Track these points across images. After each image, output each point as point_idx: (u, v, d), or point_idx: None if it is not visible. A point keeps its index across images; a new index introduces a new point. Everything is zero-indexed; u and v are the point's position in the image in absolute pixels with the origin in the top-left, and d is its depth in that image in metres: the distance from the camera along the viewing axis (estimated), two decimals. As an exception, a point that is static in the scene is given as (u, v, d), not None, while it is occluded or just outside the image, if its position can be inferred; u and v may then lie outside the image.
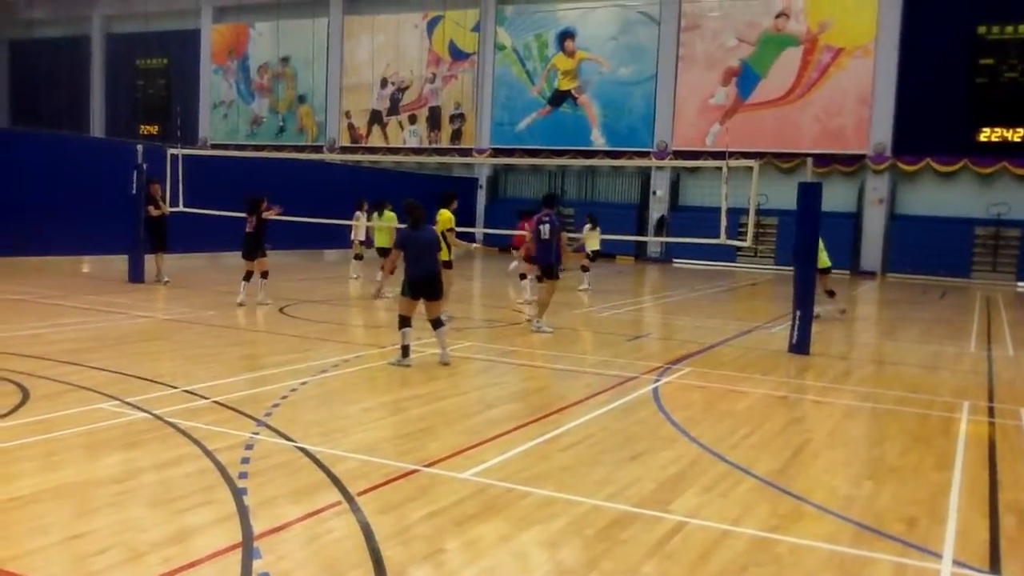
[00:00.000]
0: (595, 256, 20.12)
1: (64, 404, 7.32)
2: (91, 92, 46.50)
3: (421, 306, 9.77)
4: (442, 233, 12.09)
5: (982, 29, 29.39)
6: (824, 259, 15.53)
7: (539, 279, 13.74)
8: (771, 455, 6.82)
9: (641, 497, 5.61)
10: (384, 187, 30.04)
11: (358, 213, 19.61)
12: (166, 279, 16.98)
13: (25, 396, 7.48)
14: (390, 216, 17.24)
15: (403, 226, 10.11)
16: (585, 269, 19.67)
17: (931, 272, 29.06)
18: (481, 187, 36.36)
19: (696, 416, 8.03)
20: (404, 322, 9.61)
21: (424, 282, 9.58)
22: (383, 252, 16.98)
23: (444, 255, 12.17)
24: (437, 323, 9.84)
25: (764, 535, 5.06)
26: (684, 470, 6.27)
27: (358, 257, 20.03)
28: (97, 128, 45.94)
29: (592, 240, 19.88)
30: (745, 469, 6.33)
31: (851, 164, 30.92)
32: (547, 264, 12.72)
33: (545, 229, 12.61)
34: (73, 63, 46.26)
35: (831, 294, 16.18)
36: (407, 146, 38.48)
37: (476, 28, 37.06)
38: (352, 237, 19.97)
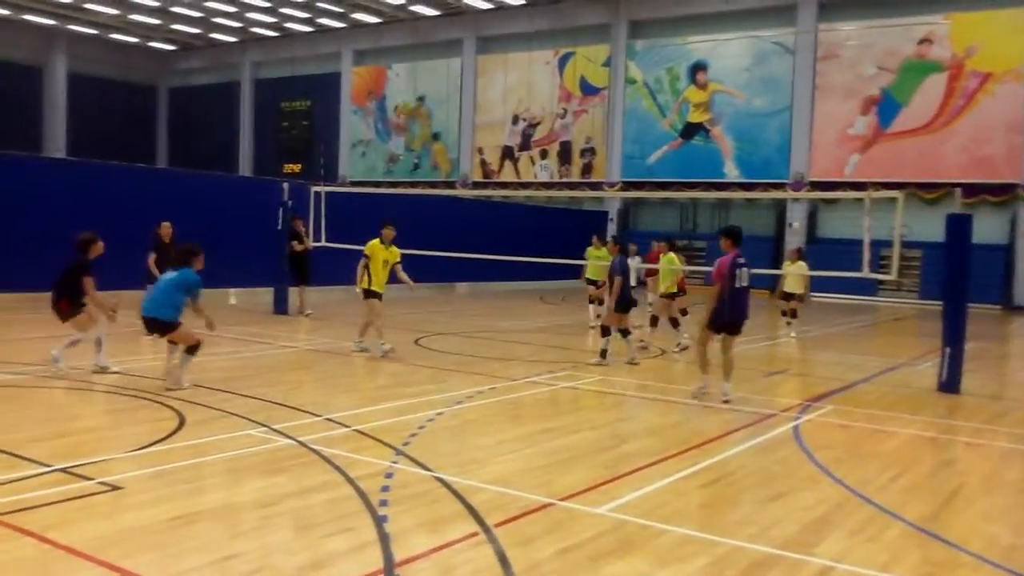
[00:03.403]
0: (789, 297, 17.28)
1: (216, 429, 7.68)
2: (240, 134, 49.12)
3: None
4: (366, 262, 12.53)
5: None
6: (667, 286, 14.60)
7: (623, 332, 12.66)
8: (922, 499, 6.50)
9: (784, 539, 5.43)
10: (515, 221, 30.50)
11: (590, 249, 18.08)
12: (308, 311, 17.63)
13: (181, 421, 7.89)
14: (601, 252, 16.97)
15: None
16: (790, 314, 17.29)
17: (1094, 308, 27.16)
18: (612, 220, 36.30)
19: (840, 456, 7.74)
20: (605, 331, 12.59)
21: (629, 303, 12.61)
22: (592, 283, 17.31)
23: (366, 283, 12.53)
24: (625, 332, 12.59)
25: (917, 583, 4.82)
26: (829, 512, 6.04)
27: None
28: (245, 167, 48.42)
29: (792, 279, 17.05)
30: (894, 513, 6.05)
31: (1001, 194, 29.35)
32: (745, 319, 10.07)
33: (744, 274, 9.86)
34: (224, 107, 49.09)
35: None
36: (538, 180, 38.87)
37: (607, 63, 37.24)
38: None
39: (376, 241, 12.62)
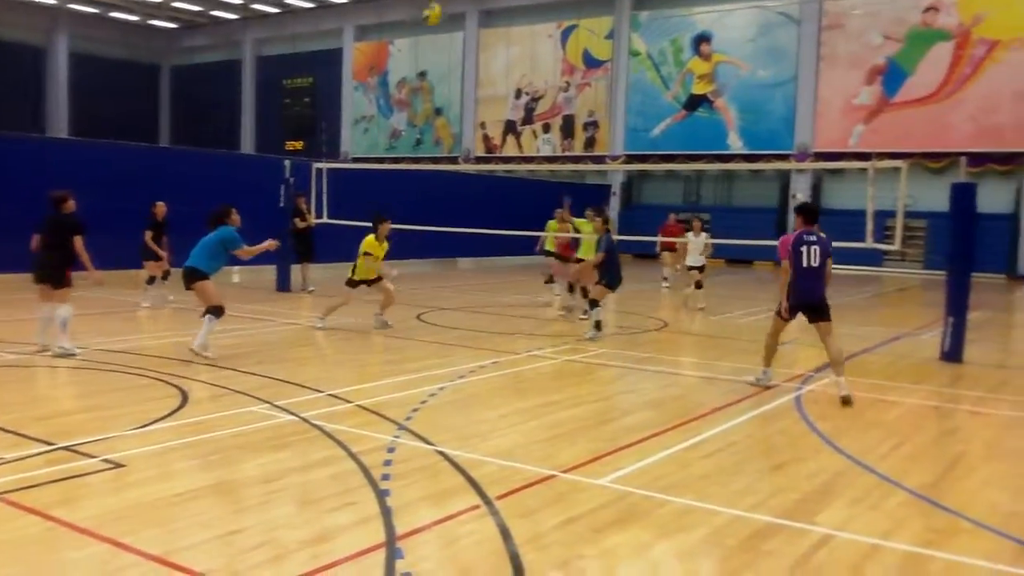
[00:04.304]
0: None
1: (219, 407, 7.73)
2: (243, 111, 48.99)
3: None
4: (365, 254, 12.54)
5: None
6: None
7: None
8: (923, 467, 6.51)
9: (785, 508, 5.45)
10: (518, 196, 30.42)
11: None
12: (311, 288, 17.65)
13: (184, 399, 7.92)
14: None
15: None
16: None
17: (1101, 276, 27.05)
18: (615, 194, 36.20)
19: (842, 426, 7.75)
20: (595, 304, 12.47)
21: (620, 281, 12.57)
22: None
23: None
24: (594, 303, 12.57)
25: (917, 551, 4.83)
26: (830, 481, 6.06)
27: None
28: (248, 145, 48.33)
29: None
30: (895, 482, 6.06)
31: (1008, 163, 29.14)
32: (817, 302, 8.96)
33: (813, 253, 8.86)
34: (227, 85, 48.92)
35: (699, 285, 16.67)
36: (541, 155, 38.73)
37: (610, 35, 36.98)
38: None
39: (373, 238, 12.54)
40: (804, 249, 8.83)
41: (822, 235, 8.96)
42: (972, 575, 4.59)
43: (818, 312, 8.91)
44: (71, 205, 10.15)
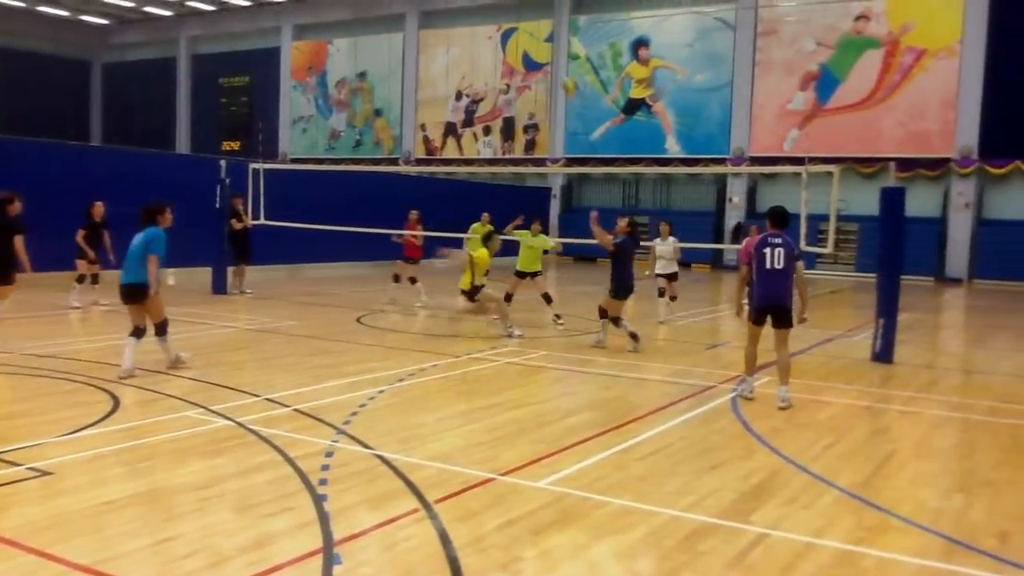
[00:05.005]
0: None
1: (152, 412, 7.55)
2: (178, 110, 48.09)
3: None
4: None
5: (1075, 26, 28.27)
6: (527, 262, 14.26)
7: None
8: (855, 466, 6.65)
9: (721, 508, 5.52)
10: (459, 199, 30.38)
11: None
12: (248, 290, 17.38)
13: (116, 404, 7.73)
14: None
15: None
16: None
17: (1023, 278, 27.96)
18: (555, 197, 36.38)
19: (777, 426, 7.88)
20: (617, 322, 11.86)
21: (629, 289, 11.85)
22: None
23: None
24: (617, 321, 11.92)
25: (849, 548, 4.94)
26: (765, 481, 6.16)
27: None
28: (183, 145, 47.43)
29: None
30: (828, 481, 6.19)
31: (936, 168, 30.01)
32: (782, 305, 8.78)
33: (776, 255, 8.72)
34: (161, 83, 47.96)
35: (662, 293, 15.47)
36: (481, 157, 38.73)
37: (550, 38, 37.15)
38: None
39: (485, 251, 12.78)
40: (767, 251, 8.75)
41: (788, 239, 8.81)
42: (902, 571, 4.71)
43: (781, 317, 8.80)
44: (17, 207, 10.24)
